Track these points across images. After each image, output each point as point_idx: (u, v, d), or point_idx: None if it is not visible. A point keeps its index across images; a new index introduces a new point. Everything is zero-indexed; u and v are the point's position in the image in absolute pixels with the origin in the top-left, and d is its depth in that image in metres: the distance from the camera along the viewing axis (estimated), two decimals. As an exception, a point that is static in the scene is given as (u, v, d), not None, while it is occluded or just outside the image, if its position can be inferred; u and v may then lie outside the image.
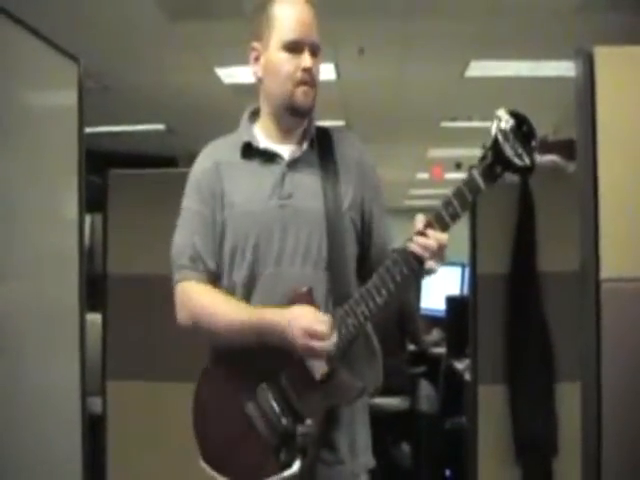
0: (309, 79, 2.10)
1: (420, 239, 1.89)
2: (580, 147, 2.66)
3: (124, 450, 3.97)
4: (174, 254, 2.17)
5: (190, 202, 2.18)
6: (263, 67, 2.14)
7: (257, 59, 2.16)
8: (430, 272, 1.96)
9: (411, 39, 6.55)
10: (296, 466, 1.97)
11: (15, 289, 2.85)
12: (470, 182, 1.86)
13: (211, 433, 2.13)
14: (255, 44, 2.15)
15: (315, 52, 2.12)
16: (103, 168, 4.18)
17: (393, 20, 6.05)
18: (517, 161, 1.81)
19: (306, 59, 2.08)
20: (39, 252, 3.01)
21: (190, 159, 2.27)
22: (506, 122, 1.82)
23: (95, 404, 3.96)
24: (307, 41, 2.09)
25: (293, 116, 2.14)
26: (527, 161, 1.82)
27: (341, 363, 1.98)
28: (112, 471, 4.00)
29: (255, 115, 2.25)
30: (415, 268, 1.91)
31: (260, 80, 2.17)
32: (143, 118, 9.39)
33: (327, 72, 7.41)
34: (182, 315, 2.13)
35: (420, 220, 1.93)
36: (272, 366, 2.03)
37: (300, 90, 2.09)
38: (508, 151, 1.81)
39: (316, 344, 1.92)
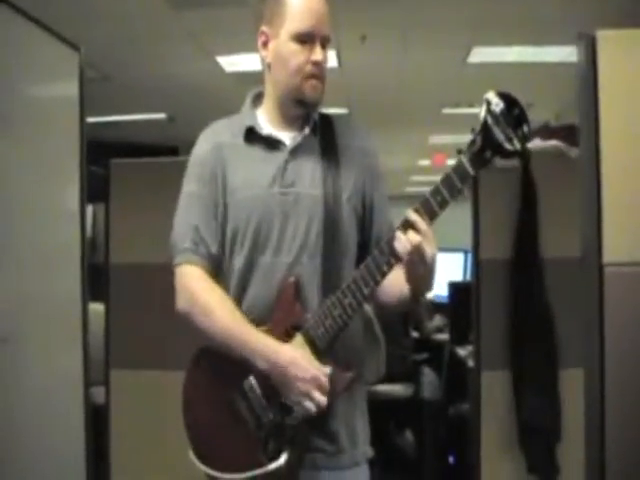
0: (319, 73, 2.06)
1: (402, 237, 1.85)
2: (583, 132, 2.65)
3: (127, 439, 3.99)
4: (175, 237, 2.13)
5: (191, 185, 2.15)
6: (272, 54, 2.10)
7: (265, 44, 2.11)
8: (420, 295, 1.98)
9: (413, 26, 6.53)
10: (283, 458, 1.95)
11: (17, 280, 2.85)
12: (459, 169, 1.80)
13: (198, 426, 2.11)
14: (264, 28, 2.10)
15: (326, 44, 2.08)
16: (104, 158, 4.19)
17: (395, 7, 6.02)
18: (507, 145, 1.75)
19: (317, 52, 2.04)
20: (41, 242, 3.02)
21: (191, 148, 2.25)
22: (496, 105, 1.76)
23: (98, 394, 3.97)
24: (319, 33, 2.04)
25: (300, 107, 2.11)
26: (517, 145, 1.76)
27: (334, 354, 1.96)
28: (115, 459, 4.02)
29: (258, 99, 2.22)
30: (401, 258, 1.86)
31: (268, 66, 2.12)
32: (144, 107, 9.37)
33: (329, 59, 7.38)
34: (180, 299, 2.09)
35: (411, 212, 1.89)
36: None
37: (309, 84, 2.06)
38: (498, 135, 1.75)
39: (317, 395, 1.91)
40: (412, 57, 7.49)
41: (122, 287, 4.08)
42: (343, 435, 2.08)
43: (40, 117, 3.03)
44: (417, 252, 1.83)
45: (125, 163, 4.22)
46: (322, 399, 1.90)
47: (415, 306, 2.32)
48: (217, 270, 2.12)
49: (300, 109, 2.12)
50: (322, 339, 1.94)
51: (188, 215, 2.12)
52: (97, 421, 3.67)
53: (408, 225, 1.83)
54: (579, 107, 2.65)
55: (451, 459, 5.23)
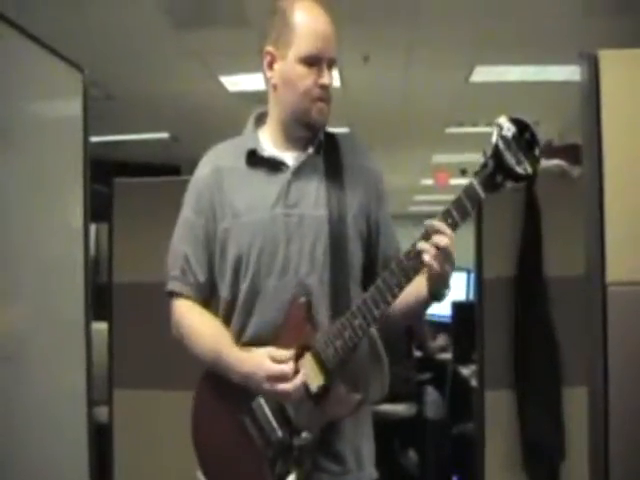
0: (326, 96, 2.06)
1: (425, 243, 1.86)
2: (585, 151, 2.65)
3: (130, 459, 3.98)
4: (168, 262, 2.19)
5: (187, 211, 2.17)
6: (278, 75, 2.09)
7: (271, 65, 2.10)
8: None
9: (416, 45, 6.55)
10: (291, 479, 1.95)
11: (21, 299, 2.84)
12: (470, 191, 1.81)
13: (208, 447, 2.12)
14: (270, 49, 2.09)
15: (331, 67, 2.08)
16: (107, 177, 4.19)
17: (397, 27, 6.04)
18: (519, 170, 1.77)
19: (325, 76, 2.04)
20: (44, 261, 3.02)
21: (194, 167, 2.25)
22: (507, 130, 1.78)
23: (101, 413, 3.96)
24: (326, 56, 2.05)
25: (305, 130, 2.11)
26: (529, 169, 1.77)
27: (341, 374, 1.96)
28: (118, 478, 4.00)
29: (261, 119, 2.21)
30: (412, 278, 1.88)
31: (274, 87, 2.11)
32: (147, 127, 9.39)
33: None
34: (172, 327, 2.17)
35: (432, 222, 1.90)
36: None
37: (317, 107, 2.05)
38: (509, 159, 1.77)
39: (280, 387, 1.94)
40: (415, 76, 7.50)
41: (125, 306, 4.07)
42: (349, 456, 2.07)
43: (43, 136, 3.03)
44: (444, 253, 1.84)
45: (128, 182, 4.23)
46: (286, 387, 1.93)
47: (419, 321, 2.32)
48: (207, 297, 2.16)
49: (306, 131, 2.11)
50: (332, 360, 1.95)
51: (180, 243, 2.16)
52: (100, 440, 3.65)
53: (432, 231, 1.84)
54: (582, 126, 2.66)
55: (455, 478, 5.21)
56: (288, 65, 2.06)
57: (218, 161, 2.18)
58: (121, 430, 4.03)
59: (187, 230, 2.16)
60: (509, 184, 1.81)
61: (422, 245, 1.84)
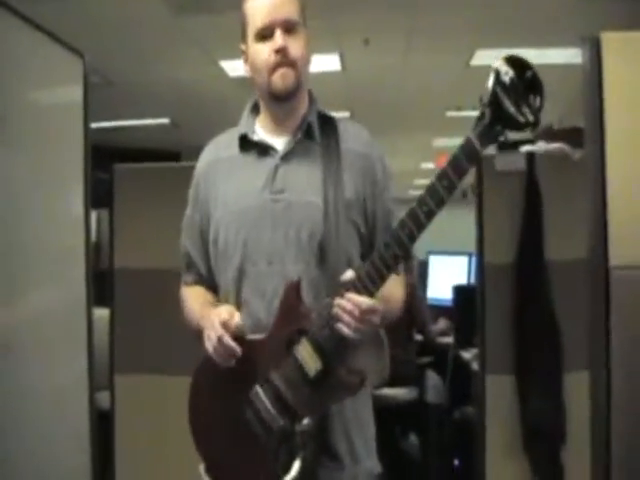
0: (284, 60, 2.02)
1: (341, 302, 1.83)
2: (588, 134, 2.64)
3: (132, 445, 3.99)
4: (179, 258, 2.28)
5: (188, 207, 2.26)
6: (249, 65, 2.11)
7: (246, 60, 2.12)
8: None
9: (416, 29, 6.53)
10: (295, 468, 1.90)
11: (21, 285, 2.84)
12: (466, 147, 1.68)
13: (208, 442, 2.09)
14: (242, 46, 2.12)
15: (290, 28, 2.04)
16: (107, 163, 4.18)
17: (398, 10, 6.03)
18: (520, 118, 1.64)
19: (276, 40, 2.01)
20: (46, 248, 3.02)
21: (195, 153, 2.27)
22: (505, 74, 1.64)
23: (103, 399, 3.96)
24: (277, 21, 2.02)
25: (278, 102, 2.09)
26: (530, 117, 1.65)
27: (339, 357, 1.90)
28: (120, 466, 4.01)
29: (256, 108, 2.21)
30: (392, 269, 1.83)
31: (251, 78, 2.13)
32: (147, 112, 9.38)
33: (332, 63, 7.40)
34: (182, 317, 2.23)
35: (348, 275, 1.85)
36: (263, 367, 1.97)
37: (277, 75, 2.03)
38: (508, 107, 1.64)
39: (212, 335, 1.93)
40: (415, 60, 7.49)
41: (126, 292, 4.07)
42: (343, 450, 2.04)
43: (44, 123, 3.03)
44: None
45: (128, 168, 4.22)
46: (212, 335, 1.93)
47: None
48: (212, 285, 2.20)
49: (281, 104, 2.10)
50: (329, 341, 1.88)
51: (184, 239, 2.27)
52: (101, 425, 3.65)
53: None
54: (584, 109, 2.64)
55: (456, 462, 5.22)
56: (250, 50, 2.08)
57: (212, 153, 2.22)
58: (122, 415, 4.04)
59: (188, 226, 2.25)
60: (509, 134, 1.69)
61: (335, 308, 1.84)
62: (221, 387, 2.04)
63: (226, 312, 1.95)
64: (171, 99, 8.72)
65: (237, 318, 1.95)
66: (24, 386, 2.78)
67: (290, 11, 2.05)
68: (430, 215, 1.75)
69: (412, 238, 1.78)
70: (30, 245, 2.88)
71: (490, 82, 1.65)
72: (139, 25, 6.20)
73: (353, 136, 2.16)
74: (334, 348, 1.89)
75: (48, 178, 3.08)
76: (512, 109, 1.64)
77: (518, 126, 1.66)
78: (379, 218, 2.13)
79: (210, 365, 2.02)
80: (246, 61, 2.13)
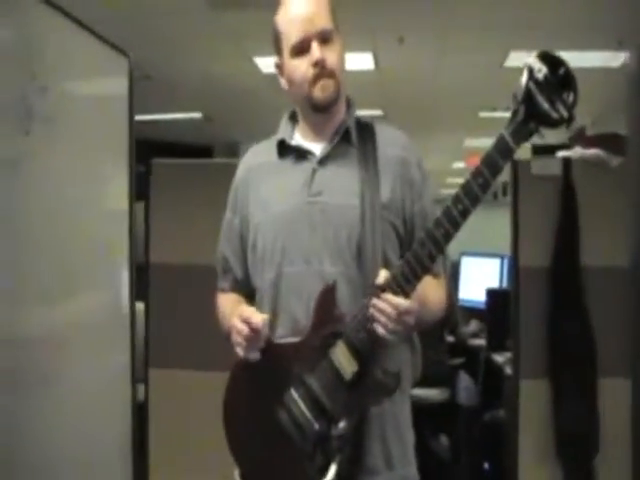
0: (323, 71, 2.02)
1: (378, 302, 1.83)
2: (631, 141, 2.63)
3: (164, 437, 4.01)
4: (215, 260, 2.31)
5: (227, 211, 2.28)
6: (286, 79, 2.12)
7: (282, 73, 2.13)
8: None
9: (451, 28, 6.52)
10: (332, 472, 1.89)
11: (66, 279, 2.86)
12: (500, 144, 1.68)
13: (243, 448, 2.09)
14: (277, 60, 2.13)
15: (326, 38, 2.04)
16: (141, 156, 4.22)
17: (433, 9, 6.02)
18: (554, 114, 1.63)
19: (314, 53, 2.01)
20: (93, 243, 3.06)
21: (226, 147, 2.31)
22: (538, 71, 1.63)
23: (138, 392, 4.00)
24: (312, 34, 2.02)
25: (319, 113, 2.10)
26: (564, 113, 1.64)
27: (374, 358, 1.90)
28: (153, 456, 4.03)
29: (294, 117, 2.23)
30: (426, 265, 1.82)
31: (288, 90, 2.14)
32: (181, 106, 9.43)
33: (366, 61, 7.40)
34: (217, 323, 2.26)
35: (383, 276, 1.86)
36: (299, 370, 1.97)
37: (317, 87, 2.04)
38: (542, 104, 1.63)
39: (238, 340, 1.96)
40: (449, 60, 7.47)
41: (161, 286, 4.09)
42: (378, 455, 2.03)
43: (91, 119, 3.07)
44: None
45: (166, 163, 4.23)
46: (238, 342, 1.96)
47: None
48: (249, 290, 2.21)
49: (321, 114, 2.11)
50: (364, 343, 1.88)
51: (222, 243, 2.30)
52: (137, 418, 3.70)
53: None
54: (628, 116, 2.64)
55: (486, 465, 5.21)
56: (287, 66, 2.09)
57: (251, 160, 2.25)
58: (155, 409, 4.06)
59: (227, 231, 2.27)
60: (543, 131, 1.67)
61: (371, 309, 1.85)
62: (256, 393, 2.05)
63: (249, 310, 1.98)
64: (204, 94, 8.76)
65: (263, 315, 1.98)
66: (67, 378, 2.81)
67: (323, 21, 2.04)
68: (465, 214, 1.75)
69: (447, 237, 1.78)
70: (80, 241, 2.92)
71: (523, 79, 1.64)
72: (175, 20, 6.24)
73: (390, 140, 2.16)
74: (370, 350, 1.88)
75: (95, 173, 3.14)
76: (546, 105, 1.63)
77: (552, 122, 1.65)
78: (417, 220, 2.11)
79: (245, 372, 2.04)
80: (282, 74, 2.14)
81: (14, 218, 2.50)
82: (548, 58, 1.65)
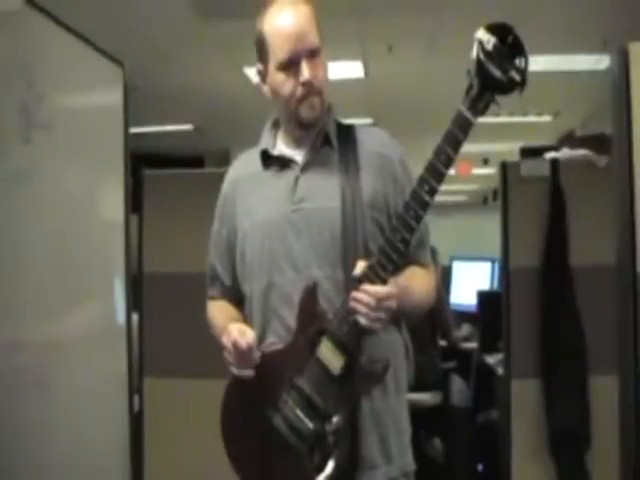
0: (311, 90, 2.04)
1: (356, 294, 1.86)
2: (615, 142, 2.66)
3: (160, 446, 4.02)
4: (206, 269, 2.34)
5: (215, 223, 2.31)
6: (269, 88, 2.12)
7: (264, 80, 2.13)
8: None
9: (439, 35, 6.54)
10: (330, 467, 1.92)
11: (62, 290, 2.87)
12: (458, 119, 1.75)
13: (243, 458, 2.11)
14: (259, 66, 2.14)
15: (314, 54, 2.05)
16: (132, 168, 4.24)
17: (421, 17, 6.05)
18: (506, 79, 1.68)
19: (304, 72, 2.02)
20: (87, 252, 3.06)
21: (218, 159, 2.32)
22: (487, 42, 1.68)
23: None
24: (301, 52, 2.02)
25: (303, 128, 2.12)
26: (517, 77, 1.69)
27: (360, 349, 1.92)
28: (148, 466, 4.04)
29: (277, 124, 2.25)
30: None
31: (272, 98, 2.14)
32: (171, 118, 9.41)
33: (355, 70, 7.42)
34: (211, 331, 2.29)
35: (359, 267, 1.89)
36: (288, 375, 1.99)
37: (304, 106, 2.05)
38: (494, 72, 1.69)
39: (229, 358, 2.00)
40: (439, 66, 7.48)
41: (154, 296, 4.11)
42: (376, 449, 2.05)
43: (87, 130, 3.08)
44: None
45: (158, 174, 4.26)
46: (229, 362, 2.00)
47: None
48: (237, 298, 2.24)
49: (303, 130, 2.14)
50: (348, 337, 1.90)
51: (210, 253, 2.32)
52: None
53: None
54: (612, 118, 2.67)
55: (480, 466, 5.23)
56: (271, 76, 2.09)
57: (237, 172, 2.28)
58: (151, 418, 4.07)
59: (215, 242, 2.30)
60: (499, 98, 1.73)
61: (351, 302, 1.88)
62: (252, 404, 2.06)
63: (237, 330, 2.00)
64: (195, 105, 8.74)
65: (250, 334, 2.00)
66: (64, 386, 2.82)
67: (312, 38, 2.05)
68: (432, 192, 1.82)
69: (417, 218, 1.84)
70: (71, 249, 2.93)
71: (474, 52, 1.70)
72: (165, 30, 6.23)
73: (371, 138, 2.19)
74: (354, 341, 1.92)
75: (92, 183, 3.16)
76: (498, 73, 1.69)
77: (506, 88, 1.71)
78: None
79: (238, 385, 2.07)
80: (264, 82, 2.14)
81: (12, 227, 2.51)
82: (496, 28, 1.71)
